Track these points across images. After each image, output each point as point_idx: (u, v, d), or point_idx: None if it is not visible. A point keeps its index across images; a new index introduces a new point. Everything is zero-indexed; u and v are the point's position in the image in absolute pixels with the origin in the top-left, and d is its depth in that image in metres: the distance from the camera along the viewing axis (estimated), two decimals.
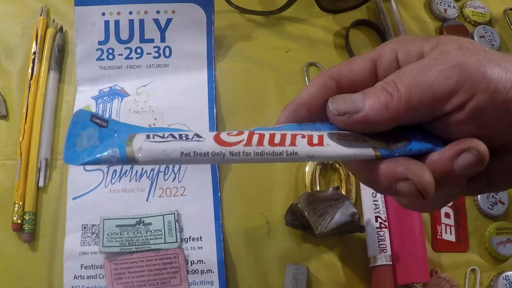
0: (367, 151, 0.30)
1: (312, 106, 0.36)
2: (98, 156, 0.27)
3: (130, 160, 0.27)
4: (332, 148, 0.30)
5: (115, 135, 0.29)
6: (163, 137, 0.28)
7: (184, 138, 0.28)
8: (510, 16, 0.77)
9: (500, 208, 0.61)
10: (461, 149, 0.31)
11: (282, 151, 0.29)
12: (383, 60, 0.36)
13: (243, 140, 0.29)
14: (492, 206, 0.61)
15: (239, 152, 0.28)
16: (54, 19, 0.66)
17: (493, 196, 0.61)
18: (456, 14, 0.74)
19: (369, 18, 0.71)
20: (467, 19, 0.75)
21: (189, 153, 0.28)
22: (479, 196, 0.60)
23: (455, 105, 0.31)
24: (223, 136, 0.29)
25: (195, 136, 0.29)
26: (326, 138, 0.31)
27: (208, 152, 0.28)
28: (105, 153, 0.27)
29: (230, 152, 0.28)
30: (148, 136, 0.28)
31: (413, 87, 0.31)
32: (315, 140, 0.30)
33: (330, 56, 0.68)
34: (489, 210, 0.61)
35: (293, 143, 0.30)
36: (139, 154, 0.27)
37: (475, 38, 0.72)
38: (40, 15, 0.65)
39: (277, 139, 0.30)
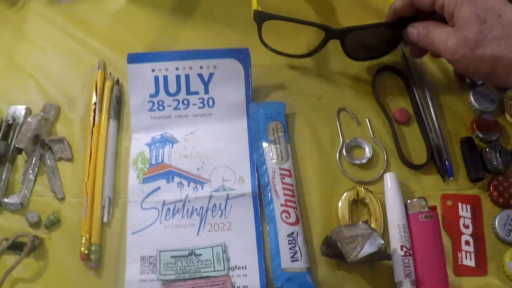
0: None
1: (399, 10, 0.71)
2: None
3: None
4: None
5: None
6: None
7: None
8: None
9: None
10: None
11: None
12: (437, 3, 0.66)
13: None
14: (508, 233, 0.69)
15: None
16: (110, 72, 0.79)
17: (509, 224, 0.69)
18: None
19: (394, 63, 0.80)
20: None
21: None
22: (496, 224, 0.69)
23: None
24: None
25: None
26: None
27: None
28: None
29: None
30: None
31: (434, 51, 0.70)
32: None
33: (358, 101, 0.78)
34: (506, 236, 0.69)
35: None
36: None
37: None
38: (98, 69, 0.78)
39: None
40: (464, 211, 0.71)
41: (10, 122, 0.76)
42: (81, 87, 0.79)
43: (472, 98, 0.76)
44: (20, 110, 0.76)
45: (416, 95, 0.77)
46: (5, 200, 0.71)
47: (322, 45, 0.75)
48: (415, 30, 0.70)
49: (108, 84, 0.77)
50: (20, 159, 0.74)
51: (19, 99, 0.79)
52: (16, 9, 0.89)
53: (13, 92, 0.80)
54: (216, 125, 0.74)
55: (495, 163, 0.72)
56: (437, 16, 0.68)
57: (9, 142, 0.75)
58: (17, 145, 0.72)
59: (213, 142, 0.72)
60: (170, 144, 0.72)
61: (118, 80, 0.78)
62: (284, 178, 0.68)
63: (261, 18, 0.73)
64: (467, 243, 0.69)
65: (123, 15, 0.86)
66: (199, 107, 0.74)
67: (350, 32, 0.73)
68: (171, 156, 0.71)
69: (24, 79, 0.81)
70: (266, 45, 0.76)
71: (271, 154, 0.70)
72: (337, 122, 0.75)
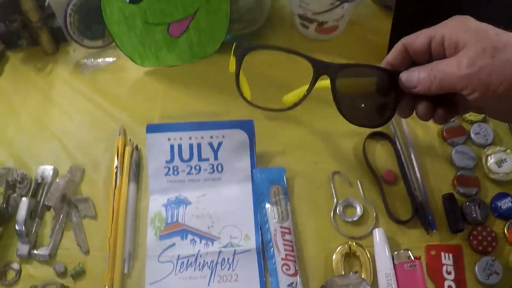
0: None
1: (393, 63, 0.64)
2: None
3: None
4: None
5: None
6: None
7: None
8: None
9: (496, 278, 0.74)
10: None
11: None
12: (435, 41, 0.59)
13: None
14: (488, 277, 0.74)
15: None
16: (130, 138, 0.88)
17: (488, 269, 0.74)
18: (455, 117, 0.88)
19: (382, 129, 0.87)
20: (464, 119, 0.89)
21: None
22: (477, 270, 0.74)
23: (463, 94, 0.57)
24: None
25: None
26: None
27: None
28: None
29: None
30: None
31: (443, 82, 0.57)
32: None
33: (351, 164, 0.85)
34: (486, 280, 0.74)
35: None
36: None
37: (472, 136, 0.86)
38: (119, 135, 0.87)
39: None
40: (447, 259, 0.76)
41: (39, 182, 0.83)
42: (104, 150, 0.87)
43: (453, 156, 0.84)
44: (49, 170, 0.84)
45: (402, 157, 0.84)
46: (35, 251, 0.77)
47: (312, 84, 0.67)
48: (415, 71, 0.61)
49: (128, 149, 0.85)
50: (49, 215, 0.80)
51: (47, 159, 0.86)
52: (44, 75, 0.99)
53: (42, 153, 0.88)
54: (225, 188, 0.81)
55: (474, 215, 0.78)
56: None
57: (38, 199, 0.81)
58: (46, 203, 0.79)
59: (222, 204, 0.80)
60: (184, 205, 0.80)
61: (137, 146, 0.86)
62: (284, 235, 0.75)
63: (242, 51, 0.70)
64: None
65: (141, 85, 0.96)
66: (209, 172, 0.81)
67: (344, 69, 0.66)
68: (184, 216, 0.78)
69: (52, 141, 0.89)
70: (241, 94, 0.73)
71: (273, 214, 0.76)
72: (332, 184, 0.82)
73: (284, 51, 0.68)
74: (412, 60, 0.64)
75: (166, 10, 0.86)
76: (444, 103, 0.63)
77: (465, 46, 0.56)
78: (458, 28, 0.57)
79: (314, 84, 0.67)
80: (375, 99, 0.68)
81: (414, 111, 0.65)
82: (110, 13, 0.85)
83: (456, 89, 0.57)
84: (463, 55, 0.56)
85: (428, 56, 0.61)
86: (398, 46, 0.64)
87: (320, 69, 0.66)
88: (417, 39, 0.61)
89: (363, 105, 0.69)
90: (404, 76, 0.62)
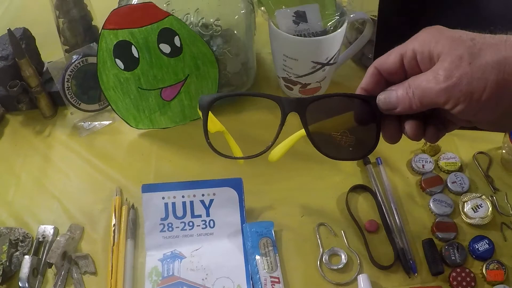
0: None
1: (367, 88, 0.62)
2: None
3: None
4: None
5: None
6: None
7: None
8: (479, 159, 0.96)
9: None
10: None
11: None
12: (407, 57, 0.58)
13: None
14: None
15: None
16: (126, 198, 0.92)
17: None
18: (433, 167, 0.94)
19: (363, 182, 0.93)
20: (442, 170, 0.94)
21: None
22: None
23: (447, 108, 0.54)
24: None
25: None
26: None
27: None
28: None
29: None
30: None
31: (423, 98, 0.55)
32: None
33: (335, 216, 0.89)
34: None
35: None
36: None
37: (448, 185, 0.91)
38: (116, 195, 0.91)
39: None
40: None
41: (40, 240, 0.86)
42: (102, 209, 0.91)
43: (431, 204, 0.88)
44: (49, 229, 0.87)
45: (383, 208, 0.88)
46: None
47: (281, 124, 0.64)
48: (392, 91, 0.59)
49: (125, 208, 0.89)
50: (51, 272, 0.83)
51: (48, 219, 0.90)
52: (43, 137, 1.04)
53: (42, 212, 0.91)
54: (217, 242, 0.85)
55: (453, 258, 0.81)
56: None
57: (40, 257, 0.84)
58: (48, 260, 0.81)
59: (214, 257, 0.83)
60: (179, 260, 0.83)
61: (133, 205, 0.90)
62: (274, 285, 0.79)
63: (208, 103, 0.66)
64: None
65: (136, 147, 1.01)
66: (202, 228, 0.85)
67: (311, 102, 0.63)
68: (180, 269, 0.82)
69: (52, 201, 0.93)
70: (210, 145, 0.67)
71: (263, 265, 0.80)
72: (317, 235, 0.86)
73: (245, 95, 0.68)
74: (387, 82, 0.61)
75: (158, 77, 0.92)
76: (433, 120, 0.61)
77: (440, 56, 0.54)
78: (430, 39, 0.55)
79: (283, 123, 0.64)
80: (355, 129, 0.65)
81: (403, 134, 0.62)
82: (106, 79, 0.92)
83: (438, 104, 0.54)
84: (439, 67, 0.53)
85: (402, 75, 0.59)
86: (370, 70, 0.62)
87: (285, 106, 0.63)
88: (388, 58, 0.60)
89: (343, 138, 0.66)
90: (382, 97, 0.60)
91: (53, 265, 0.82)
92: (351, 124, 0.65)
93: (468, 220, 0.86)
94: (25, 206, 0.93)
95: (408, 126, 0.60)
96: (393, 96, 0.58)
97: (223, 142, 0.73)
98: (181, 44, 0.91)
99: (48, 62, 1.00)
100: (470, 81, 0.51)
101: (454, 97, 0.52)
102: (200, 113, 0.66)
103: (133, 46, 0.88)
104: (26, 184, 0.97)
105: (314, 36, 0.96)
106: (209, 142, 0.67)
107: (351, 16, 0.99)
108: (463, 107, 0.53)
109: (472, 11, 0.84)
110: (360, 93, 0.63)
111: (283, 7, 0.95)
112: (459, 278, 0.79)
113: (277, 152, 0.78)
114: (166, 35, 0.89)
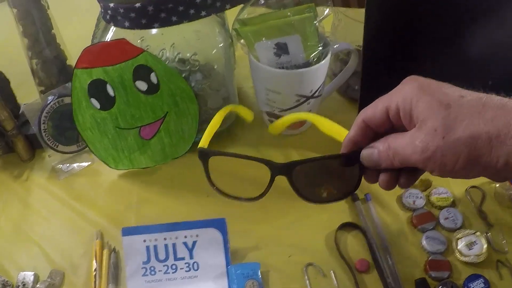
0: None
1: (355, 139, 0.66)
2: None
3: None
4: None
5: None
6: None
7: None
8: (471, 193, 0.95)
9: None
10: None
11: None
12: (391, 111, 0.61)
13: None
14: None
15: None
16: (108, 241, 0.90)
17: None
18: (424, 203, 0.92)
19: (352, 219, 0.91)
20: (433, 205, 0.92)
21: None
22: None
23: (425, 170, 0.60)
24: None
25: None
26: None
27: None
28: None
29: None
30: None
31: (402, 161, 0.60)
32: None
33: (324, 255, 0.87)
34: None
35: None
36: None
37: (441, 221, 0.89)
38: (96, 238, 0.89)
39: None
40: None
41: None
42: (82, 253, 0.88)
43: (424, 242, 0.86)
44: (29, 276, 0.85)
45: (374, 246, 0.86)
46: None
47: (270, 184, 0.72)
48: (374, 149, 0.63)
49: (106, 252, 0.87)
50: None
51: (28, 265, 0.87)
52: (21, 181, 1.02)
53: (21, 259, 0.89)
54: (201, 285, 0.83)
55: None
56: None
57: None
58: None
59: None
60: None
61: (114, 248, 0.88)
62: None
63: (206, 155, 0.76)
64: None
65: (116, 188, 0.99)
66: (185, 271, 0.83)
67: (297, 166, 0.69)
68: None
69: (31, 247, 0.90)
70: (212, 185, 0.76)
71: None
72: (306, 276, 0.83)
73: (240, 157, 0.72)
74: (375, 133, 0.65)
75: (136, 115, 0.91)
76: (407, 171, 0.65)
77: (418, 121, 0.58)
78: (412, 96, 0.58)
79: (271, 184, 0.71)
80: (339, 180, 0.72)
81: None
82: (82, 120, 0.90)
83: (417, 166, 0.59)
84: (417, 136, 0.57)
85: (389, 126, 0.63)
86: (358, 122, 0.65)
87: (274, 170, 0.70)
88: (375, 113, 0.63)
89: (327, 188, 0.72)
90: (365, 155, 0.65)
91: None
92: (336, 177, 0.72)
93: (463, 258, 0.85)
94: (4, 252, 0.91)
95: (381, 178, 0.66)
96: (375, 155, 0.63)
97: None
98: (158, 80, 0.90)
99: (24, 104, 0.99)
100: (444, 154, 0.55)
101: (429, 166, 0.58)
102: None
103: (108, 85, 0.87)
104: (5, 229, 0.95)
105: (297, 68, 0.96)
106: (216, 188, 0.76)
107: (335, 47, 0.99)
108: (438, 173, 0.58)
109: (458, 41, 0.85)
110: (348, 144, 0.67)
111: (263, 39, 0.94)
112: None
113: (278, 126, 0.91)
114: (142, 72, 0.88)
